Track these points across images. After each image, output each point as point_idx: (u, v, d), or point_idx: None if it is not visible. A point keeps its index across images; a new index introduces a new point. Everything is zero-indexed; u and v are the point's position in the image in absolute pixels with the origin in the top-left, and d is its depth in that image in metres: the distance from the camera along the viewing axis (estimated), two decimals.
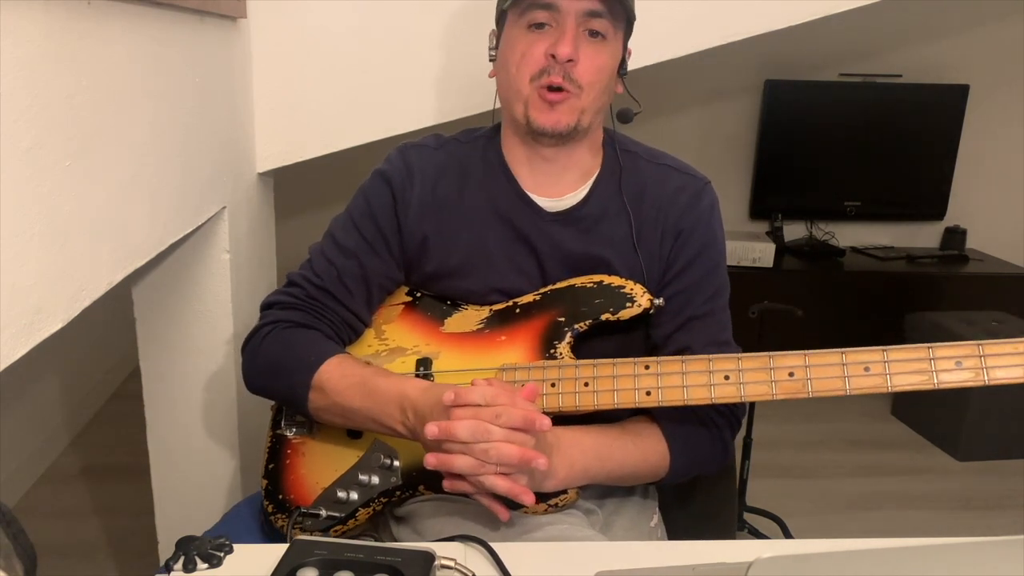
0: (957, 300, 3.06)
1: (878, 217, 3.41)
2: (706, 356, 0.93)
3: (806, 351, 0.90)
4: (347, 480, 1.03)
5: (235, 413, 1.49)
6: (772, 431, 2.68)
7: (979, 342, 0.87)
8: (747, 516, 2.21)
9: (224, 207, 1.36)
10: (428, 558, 0.75)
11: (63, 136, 0.79)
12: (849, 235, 3.41)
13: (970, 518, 2.38)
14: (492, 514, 0.90)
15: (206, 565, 0.79)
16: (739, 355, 0.91)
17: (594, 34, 0.98)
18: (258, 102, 1.50)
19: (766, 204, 3.34)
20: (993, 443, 2.68)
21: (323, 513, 1.02)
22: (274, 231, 1.70)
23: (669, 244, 1.05)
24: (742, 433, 2.17)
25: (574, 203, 1.06)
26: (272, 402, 1.11)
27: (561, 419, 0.95)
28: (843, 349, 0.88)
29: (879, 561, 0.65)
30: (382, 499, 1.02)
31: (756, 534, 2.18)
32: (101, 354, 2.89)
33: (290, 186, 1.99)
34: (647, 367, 0.94)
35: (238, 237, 1.44)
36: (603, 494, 1.08)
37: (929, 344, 0.88)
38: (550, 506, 0.95)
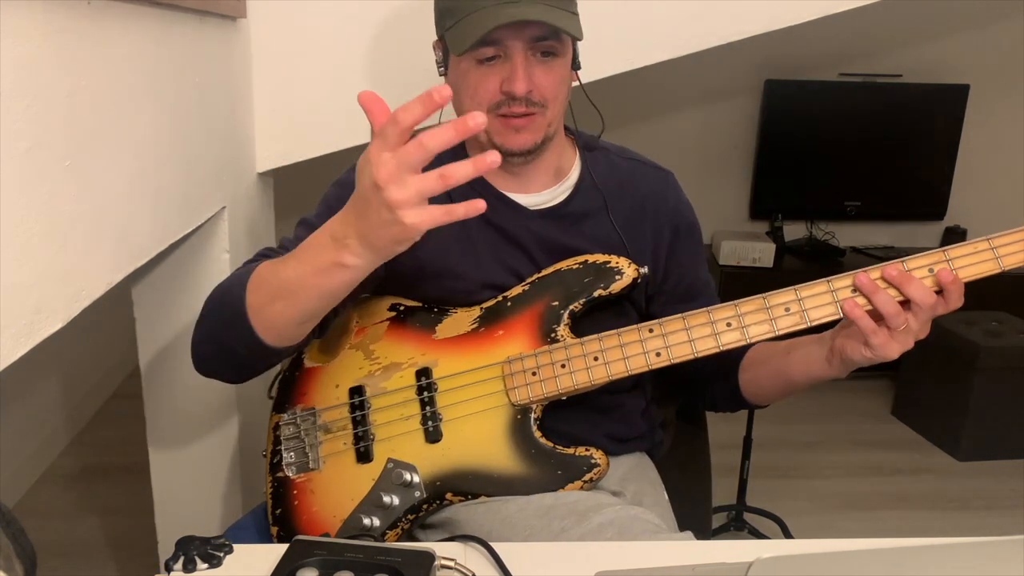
0: None
1: (878, 217, 3.40)
2: (704, 309, 0.97)
3: (796, 286, 0.94)
4: (367, 505, 1.01)
5: (235, 413, 1.49)
6: (772, 431, 2.69)
7: (943, 248, 0.90)
8: (747, 516, 2.21)
9: (224, 207, 1.36)
10: (428, 558, 0.75)
11: (63, 136, 0.79)
12: (849, 235, 3.41)
13: (970, 518, 2.38)
14: (541, 513, 0.93)
15: (206, 565, 0.79)
16: (735, 302, 0.96)
17: (546, 54, 0.98)
18: (258, 102, 1.50)
19: (766, 204, 3.34)
20: (993, 443, 2.68)
21: None
22: (274, 231, 1.70)
23: (667, 240, 1.11)
24: (742, 433, 2.18)
25: (558, 201, 1.09)
26: (265, 449, 1.08)
27: (573, 400, 1.02)
28: (829, 277, 0.93)
29: (879, 561, 0.65)
30: (408, 517, 1.01)
31: (756, 534, 2.18)
32: (101, 354, 2.89)
33: (290, 186, 1.99)
34: (651, 330, 0.98)
35: (238, 237, 1.44)
36: (624, 477, 1.10)
37: (902, 259, 0.91)
38: (585, 482, 0.98)
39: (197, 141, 1.20)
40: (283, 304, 0.89)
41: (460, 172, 0.73)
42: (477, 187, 1.07)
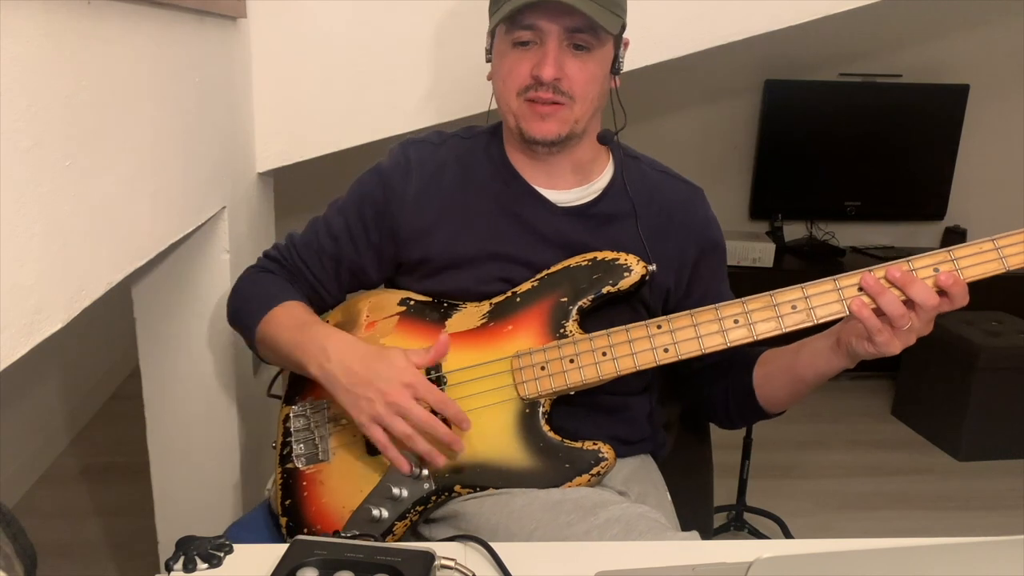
0: None
1: (878, 217, 3.40)
2: (712, 306, 0.97)
3: (802, 284, 0.95)
4: (377, 497, 1.02)
5: (235, 413, 1.49)
6: (772, 431, 2.67)
7: (948, 248, 0.92)
8: (747, 516, 2.21)
9: (224, 207, 1.36)
10: (428, 558, 0.75)
11: (63, 136, 0.79)
12: (849, 235, 3.41)
13: (970, 518, 2.38)
14: (548, 507, 0.95)
15: (206, 565, 0.79)
16: (743, 299, 0.96)
17: (579, 47, 1.00)
18: (258, 102, 1.50)
19: (766, 204, 3.34)
20: (993, 443, 2.68)
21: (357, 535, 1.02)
22: (274, 231, 1.70)
23: (692, 256, 1.11)
24: (742, 433, 2.17)
25: (586, 201, 1.09)
26: (275, 440, 1.11)
27: (580, 400, 1.03)
28: (835, 276, 0.93)
29: (879, 561, 0.65)
30: (417, 508, 1.01)
31: (756, 534, 2.18)
32: (101, 354, 2.89)
33: (290, 186, 1.99)
34: (659, 326, 0.98)
35: (238, 237, 1.44)
36: (628, 477, 1.10)
37: (907, 258, 0.92)
38: (592, 475, 0.99)
39: (197, 141, 1.20)
40: (271, 353, 1.10)
41: (403, 465, 0.97)
42: (509, 179, 1.10)
